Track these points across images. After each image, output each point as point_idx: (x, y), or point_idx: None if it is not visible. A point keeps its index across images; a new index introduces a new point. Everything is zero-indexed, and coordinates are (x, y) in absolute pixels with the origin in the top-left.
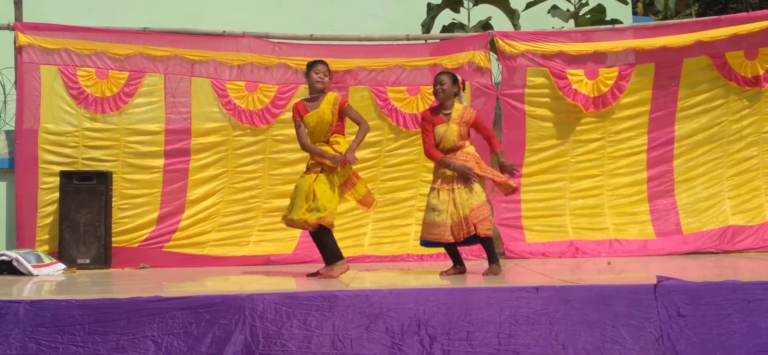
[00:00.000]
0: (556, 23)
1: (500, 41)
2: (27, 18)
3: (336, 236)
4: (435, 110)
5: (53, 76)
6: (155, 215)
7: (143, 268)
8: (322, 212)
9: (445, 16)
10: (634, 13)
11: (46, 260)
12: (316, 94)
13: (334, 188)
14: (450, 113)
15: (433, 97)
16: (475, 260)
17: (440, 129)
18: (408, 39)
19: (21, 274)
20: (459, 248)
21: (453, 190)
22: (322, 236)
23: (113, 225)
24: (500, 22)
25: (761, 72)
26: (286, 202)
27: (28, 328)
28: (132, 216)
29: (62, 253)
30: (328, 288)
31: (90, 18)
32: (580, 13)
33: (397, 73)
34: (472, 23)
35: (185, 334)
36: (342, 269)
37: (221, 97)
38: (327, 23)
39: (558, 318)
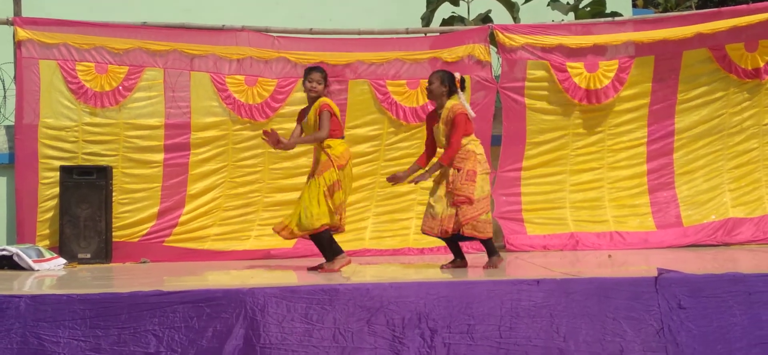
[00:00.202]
0: (556, 16)
1: (500, 34)
2: (26, 13)
3: None
4: (434, 110)
5: (52, 71)
6: (156, 209)
7: (144, 262)
8: (307, 220)
9: (445, 10)
10: (634, 5)
11: (47, 254)
12: (311, 101)
13: (319, 192)
14: (440, 113)
15: None
16: (476, 253)
17: (435, 129)
18: (407, 32)
19: (22, 269)
20: (460, 242)
21: (448, 185)
22: (319, 236)
23: (114, 220)
24: (500, 15)
25: (761, 64)
26: (287, 196)
27: (29, 323)
28: (132, 211)
29: (63, 248)
30: (329, 282)
31: (89, 13)
32: (580, 6)
33: (397, 66)
34: (472, 16)
35: (186, 328)
36: (343, 262)
37: (221, 91)
38: (326, 17)
39: (559, 311)
